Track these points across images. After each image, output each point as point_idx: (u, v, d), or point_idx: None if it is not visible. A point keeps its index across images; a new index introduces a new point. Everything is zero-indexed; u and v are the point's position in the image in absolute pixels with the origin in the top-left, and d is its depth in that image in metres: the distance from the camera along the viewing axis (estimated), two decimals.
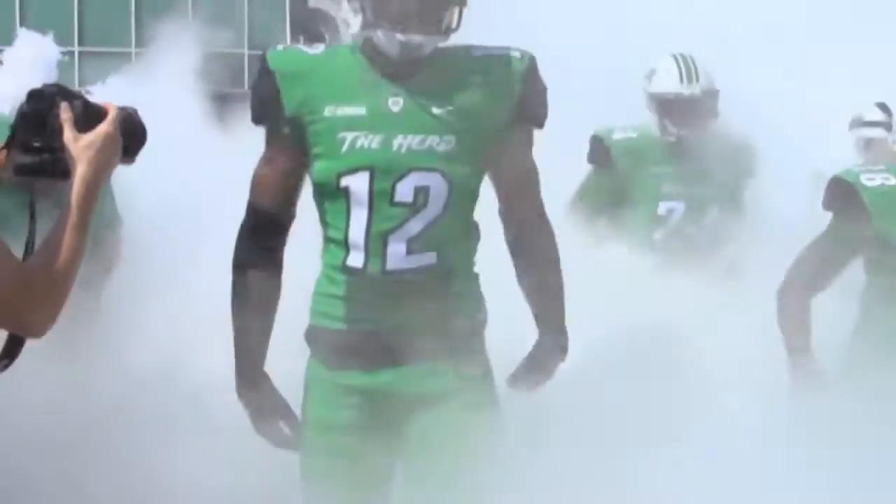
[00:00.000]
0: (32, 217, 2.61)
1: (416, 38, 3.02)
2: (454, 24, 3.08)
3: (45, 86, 2.67)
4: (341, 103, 3.06)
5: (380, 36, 3.04)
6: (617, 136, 5.22)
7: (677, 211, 5.17)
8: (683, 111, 5.14)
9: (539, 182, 3.22)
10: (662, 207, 5.17)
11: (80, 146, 2.55)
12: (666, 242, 5.09)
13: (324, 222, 3.13)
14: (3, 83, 3.59)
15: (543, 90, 3.18)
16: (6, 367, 2.55)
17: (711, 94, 5.17)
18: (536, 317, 3.21)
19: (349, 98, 3.06)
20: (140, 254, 4.41)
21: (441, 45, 3.07)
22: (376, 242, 3.07)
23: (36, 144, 2.59)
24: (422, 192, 3.07)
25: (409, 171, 3.05)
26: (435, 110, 3.07)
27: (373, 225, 3.06)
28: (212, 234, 3.80)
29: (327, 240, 3.13)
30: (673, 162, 5.18)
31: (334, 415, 3.14)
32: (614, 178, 5.19)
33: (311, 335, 3.18)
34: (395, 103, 3.07)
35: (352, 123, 3.06)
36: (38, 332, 2.48)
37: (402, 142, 3.06)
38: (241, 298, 3.15)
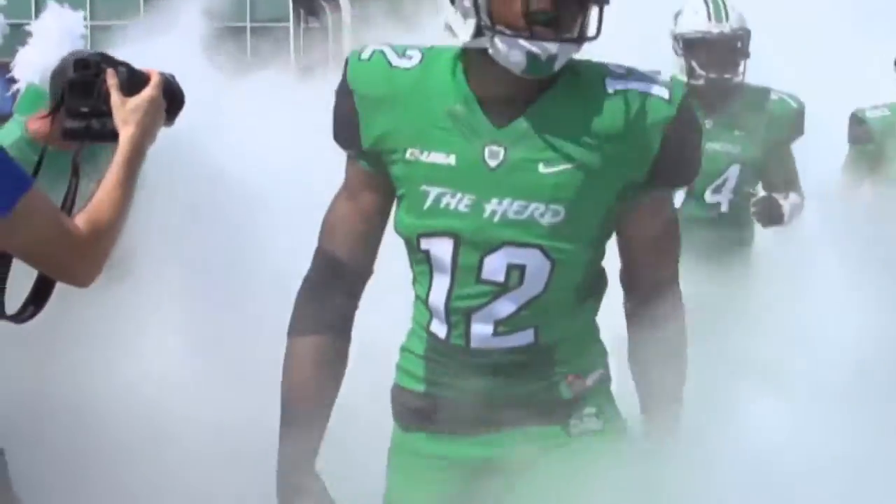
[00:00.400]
0: (76, 174, 2.76)
1: (550, 47, 2.32)
2: (593, 30, 2.40)
3: (90, 54, 2.88)
4: (427, 146, 2.41)
5: (498, 45, 2.33)
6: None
7: None
8: (711, 51, 4.93)
9: (678, 238, 2.57)
10: None
11: (127, 109, 2.75)
12: None
13: (412, 269, 2.55)
14: (32, 54, 3.67)
15: (695, 142, 2.48)
16: (33, 315, 2.71)
17: (742, 34, 4.96)
18: (649, 394, 2.58)
19: (437, 141, 2.41)
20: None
21: (574, 56, 2.40)
22: (458, 317, 2.48)
23: (84, 110, 2.79)
24: (516, 271, 2.44)
25: (502, 244, 2.42)
26: (543, 169, 2.39)
27: (453, 300, 2.47)
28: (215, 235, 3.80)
29: (415, 293, 2.56)
30: None
31: (413, 489, 2.60)
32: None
33: (394, 396, 2.63)
34: (494, 155, 2.39)
35: (437, 175, 2.41)
36: (83, 283, 2.65)
37: (497, 207, 2.40)
38: (297, 375, 2.52)
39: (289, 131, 4.40)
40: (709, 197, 4.97)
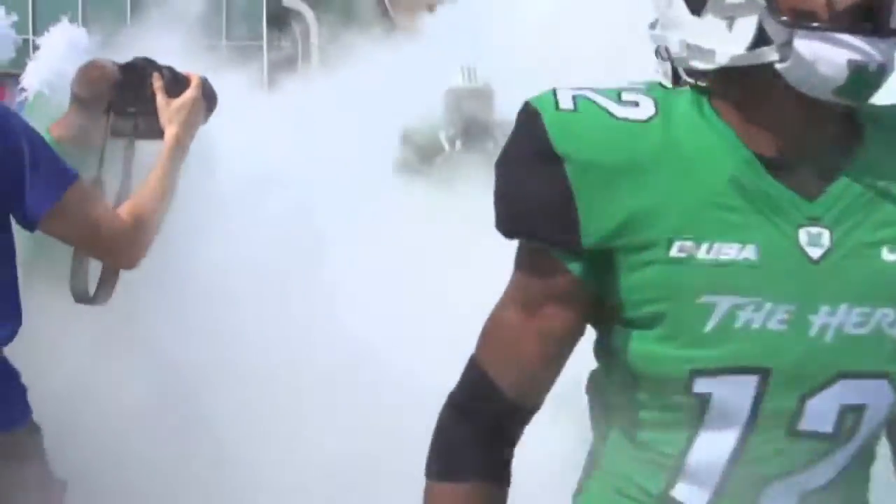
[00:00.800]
0: (128, 169, 3.13)
1: (881, 49, 1.50)
2: None
3: (136, 59, 3.17)
4: (705, 236, 1.56)
5: (800, 49, 1.50)
6: None
7: None
8: None
9: None
10: None
11: (171, 110, 3.06)
12: None
13: (619, 407, 1.70)
14: (41, 66, 4.00)
15: None
16: (105, 299, 3.10)
17: None
18: None
19: (722, 227, 1.56)
20: None
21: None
22: (741, 485, 1.64)
23: (131, 110, 3.11)
24: (850, 416, 1.61)
25: (839, 377, 1.58)
26: (888, 256, 1.58)
27: (741, 463, 1.62)
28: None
29: (624, 436, 1.70)
30: None
31: None
32: None
33: None
34: (814, 240, 1.57)
35: (730, 279, 1.56)
36: (129, 265, 2.96)
37: (830, 320, 1.57)
38: None
39: (257, 141, 4.70)
40: None
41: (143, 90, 3.11)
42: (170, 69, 3.14)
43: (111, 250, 2.89)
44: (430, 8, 12.51)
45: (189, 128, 3.07)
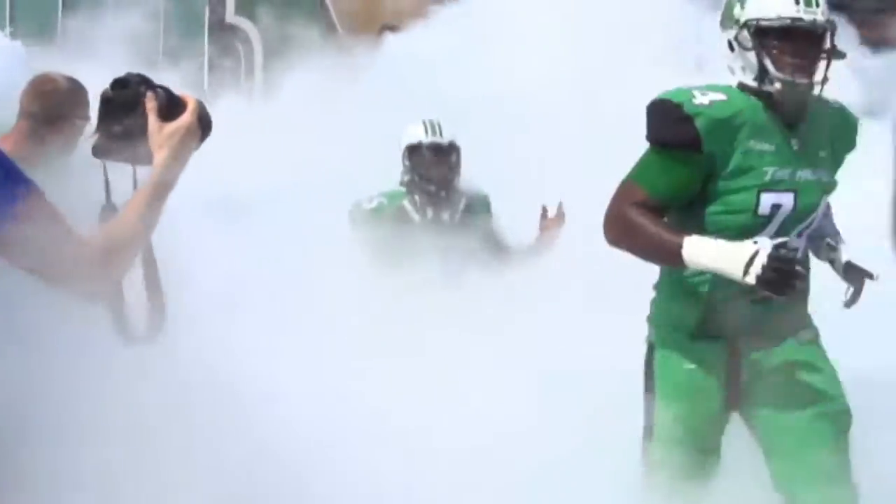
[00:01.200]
0: (107, 192, 2.77)
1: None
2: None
3: (130, 74, 2.78)
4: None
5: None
6: None
7: None
8: (797, 45, 3.81)
9: None
10: None
11: (164, 135, 2.69)
12: None
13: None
14: None
15: None
16: (154, 336, 2.79)
17: (832, 25, 3.85)
18: None
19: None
20: None
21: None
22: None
23: (117, 129, 2.71)
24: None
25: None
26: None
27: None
28: None
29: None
30: None
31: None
32: None
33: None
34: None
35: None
36: (89, 296, 2.63)
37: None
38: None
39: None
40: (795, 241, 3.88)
41: (134, 110, 2.74)
42: (165, 89, 2.78)
43: (70, 277, 2.56)
44: (385, 30, 12.31)
45: (180, 156, 2.71)
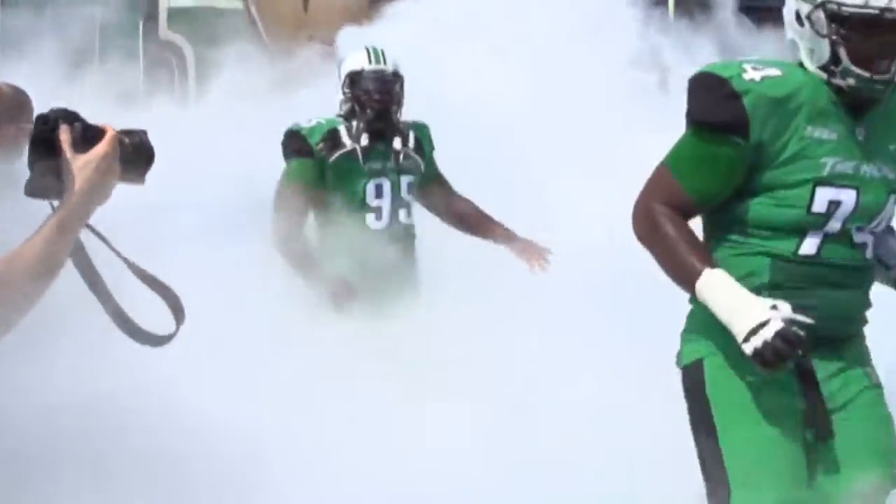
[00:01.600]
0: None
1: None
2: None
3: (51, 110, 2.72)
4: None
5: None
6: None
7: None
8: (872, 34, 3.32)
9: None
10: None
11: (77, 166, 2.58)
12: None
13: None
14: None
15: None
16: (170, 338, 2.71)
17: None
18: None
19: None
20: None
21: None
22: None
23: (42, 167, 2.65)
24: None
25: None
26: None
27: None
28: None
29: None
30: None
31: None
32: None
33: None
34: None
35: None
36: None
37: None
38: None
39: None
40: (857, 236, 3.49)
41: (52, 145, 2.68)
42: (82, 121, 2.70)
43: None
44: (309, 38, 12.36)
45: (94, 188, 2.59)
